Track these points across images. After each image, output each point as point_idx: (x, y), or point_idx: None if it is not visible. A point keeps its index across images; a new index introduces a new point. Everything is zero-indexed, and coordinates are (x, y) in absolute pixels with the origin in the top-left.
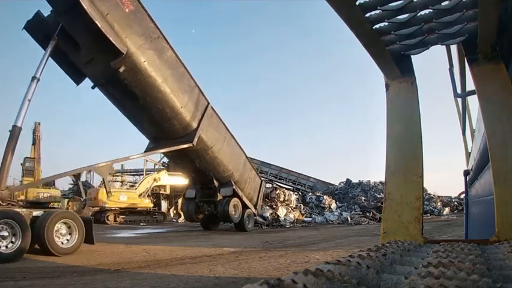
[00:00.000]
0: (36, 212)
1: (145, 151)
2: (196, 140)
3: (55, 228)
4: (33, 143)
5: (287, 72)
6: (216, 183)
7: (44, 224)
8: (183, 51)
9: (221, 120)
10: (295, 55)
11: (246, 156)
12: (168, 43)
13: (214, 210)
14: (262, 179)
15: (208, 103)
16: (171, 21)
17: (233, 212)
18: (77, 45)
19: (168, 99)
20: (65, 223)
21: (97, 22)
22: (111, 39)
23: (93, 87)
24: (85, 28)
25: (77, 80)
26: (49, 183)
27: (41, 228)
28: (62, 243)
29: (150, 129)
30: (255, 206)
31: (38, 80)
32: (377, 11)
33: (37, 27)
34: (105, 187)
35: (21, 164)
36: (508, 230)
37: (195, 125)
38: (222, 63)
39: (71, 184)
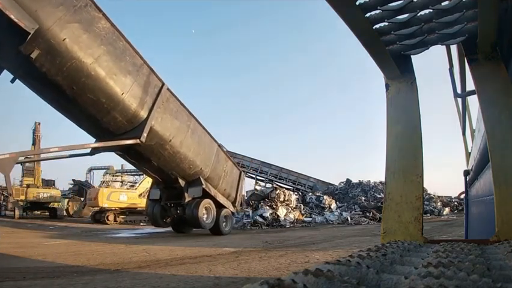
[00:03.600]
0: None
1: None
2: (145, 134)
3: None
4: (33, 143)
5: (281, 65)
6: (181, 182)
7: None
8: (183, 51)
9: (182, 104)
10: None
11: (219, 146)
12: (101, 11)
13: (183, 214)
14: (242, 169)
15: (163, 84)
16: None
17: (204, 216)
18: None
19: (102, 85)
20: None
21: None
22: (11, 16)
23: (12, 81)
24: None
25: None
26: (49, 183)
27: None
28: None
29: (88, 125)
30: (234, 203)
31: None
32: (377, 11)
33: None
34: (7, 187)
35: (21, 164)
36: (508, 230)
37: (144, 114)
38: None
39: (71, 184)
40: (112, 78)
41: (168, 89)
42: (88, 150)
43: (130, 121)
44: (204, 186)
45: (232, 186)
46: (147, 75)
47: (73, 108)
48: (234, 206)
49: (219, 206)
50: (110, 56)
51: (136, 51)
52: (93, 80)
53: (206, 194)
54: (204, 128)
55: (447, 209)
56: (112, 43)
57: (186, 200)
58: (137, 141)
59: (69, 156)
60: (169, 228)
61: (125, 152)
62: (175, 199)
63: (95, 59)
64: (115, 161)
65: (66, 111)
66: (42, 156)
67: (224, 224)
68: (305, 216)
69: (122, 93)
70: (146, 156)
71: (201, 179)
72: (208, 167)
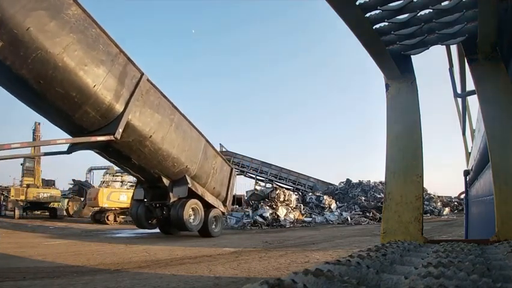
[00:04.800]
0: None
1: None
2: (120, 130)
3: None
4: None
5: (281, 65)
6: (166, 181)
7: None
8: (183, 48)
9: (164, 96)
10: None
11: (207, 141)
12: None
13: (169, 215)
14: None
15: (142, 74)
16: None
17: (191, 218)
18: None
19: (72, 77)
20: None
21: None
22: None
23: None
24: None
25: None
26: (49, 183)
27: None
28: None
29: (60, 122)
30: (225, 202)
31: None
32: (377, 11)
33: None
34: None
35: (21, 164)
36: (508, 230)
37: (120, 108)
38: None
39: (71, 184)
40: (83, 69)
41: (148, 79)
42: (66, 148)
43: (104, 116)
44: (189, 186)
45: (222, 184)
46: (123, 66)
47: (42, 104)
48: (224, 205)
49: (208, 206)
50: (81, 44)
51: (111, 39)
52: (61, 72)
53: (193, 194)
54: (190, 122)
55: (447, 209)
56: (83, 31)
57: (171, 201)
58: (111, 137)
59: (44, 154)
60: (156, 230)
61: (102, 150)
62: (160, 199)
63: (64, 49)
64: None
65: (36, 106)
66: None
67: (213, 225)
68: (305, 216)
69: (94, 86)
70: (124, 154)
71: (187, 177)
72: (195, 164)
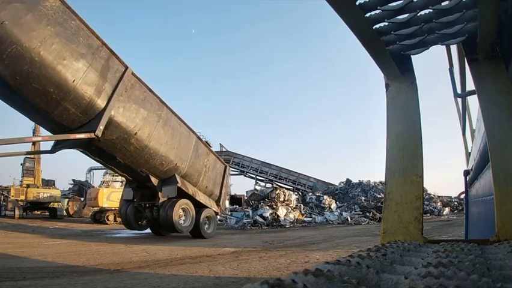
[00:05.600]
0: None
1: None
2: (101, 127)
3: None
4: (33, 143)
5: (281, 66)
6: (154, 181)
7: None
8: (182, 47)
9: (151, 91)
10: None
11: (198, 138)
12: None
13: (158, 216)
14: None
15: (126, 68)
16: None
17: (181, 219)
18: None
19: (49, 72)
20: None
21: None
22: None
23: None
24: None
25: None
26: (49, 183)
27: None
28: None
29: (41, 120)
30: (218, 202)
31: None
32: (377, 11)
33: None
34: None
35: (21, 164)
36: (508, 230)
37: (102, 104)
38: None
39: (71, 184)
40: (61, 64)
41: (133, 73)
42: (50, 148)
43: (85, 112)
44: (179, 185)
45: (215, 183)
46: (106, 59)
47: (19, 101)
48: (217, 205)
49: (200, 206)
50: (59, 37)
51: (92, 31)
52: (37, 67)
53: (183, 193)
54: (179, 118)
55: (447, 209)
56: (61, 23)
57: (160, 201)
58: (92, 135)
59: (26, 153)
60: (148, 230)
61: (85, 149)
62: (149, 199)
63: (40, 43)
64: None
65: (14, 104)
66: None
67: (206, 226)
68: (305, 216)
69: (74, 81)
70: (109, 153)
71: (176, 176)
72: (185, 163)
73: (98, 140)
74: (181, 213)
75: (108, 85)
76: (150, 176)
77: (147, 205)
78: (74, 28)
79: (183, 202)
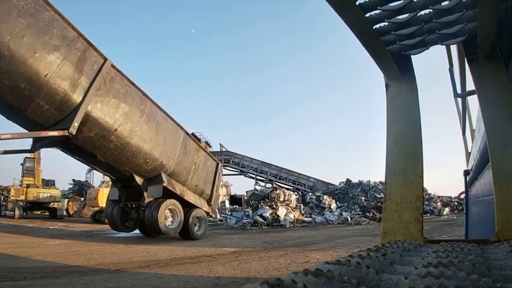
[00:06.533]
0: None
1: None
2: (75, 124)
3: None
4: None
5: (280, 66)
6: (139, 180)
7: None
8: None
9: (133, 84)
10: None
11: (187, 133)
12: None
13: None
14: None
15: (105, 60)
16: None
17: (168, 220)
18: None
19: (19, 66)
20: None
21: None
22: None
23: None
24: None
25: None
26: (49, 183)
27: None
28: None
29: (15, 118)
30: (209, 201)
31: None
32: (377, 11)
33: None
34: None
35: (21, 164)
36: (508, 230)
37: (78, 99)
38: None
39: (71, 184)
40: (32, 57)
41: (113, 65)
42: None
43: (60, 109)
44: (165, 184)
45: (206, 182)
46: (82, 51)
47: None
48: (209, 204)
49: (190, 206)
50: (31, 29)
51: (68, 21)
52: (7, 61)
53: (171, 193)
54: (165, 112)
55: (447, 209)
56: (33, 14)
57: (146, 201)
58: (65, 133)
59: (4, 152)
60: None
61: (64, 147)
62: (135, 200)
63: (11, 36)
64: None
65: None
66: None
67: (196, 226)
68: (305, 216)
69: (46, 75)
70: (88, 151)
71: (162, 175)
72: (172, 160)
73: (76, 137)
74: (168, 214)
75: (84, 78)
76: (134, 175)
77: (133, 205)
78: (47, 19)
79: (170, 203)
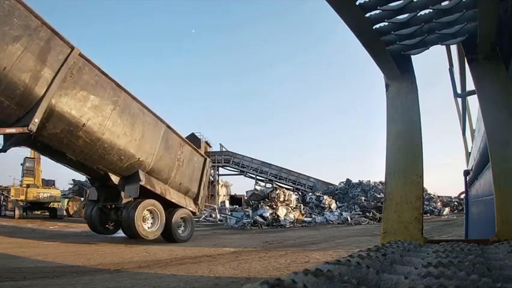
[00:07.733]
0: None
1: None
2: (36, 120)
3: None
4: None
5: (280, 66)
6: (115, 179)
7: None
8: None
9: (105, 74)
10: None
11: (169, 127)
12: None
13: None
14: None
15: (72, 48)
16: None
17: (147, 222)
18: None
19: None
20: None
21: None
22: None
23: None
24: None
25: None
26: (49, 183)
27: None
28: None
29: None
30: (196, 200)
31: None
32: (377, 11)
33: None
34: None
35: (21, 164)
36: (508, 230)
37: (40, 93)
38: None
39: (71, 184)
40: None
41: (81, 54)
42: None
43: (21, 104)
44: (142, 183)
45: (192, 179)
46: (46, 40)
47: None
48: (195, 203)
49: (174, 206)
50: None
51: (30, 10)
52: None
53: (150, 192)
54: (142, 104)
55: (447, 209)
56: None
57: (123, 201)
58: (25, 130)
59: None
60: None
61: (30, 146)
62: (114, 200)
63: None
64: None
65: None
66: None
67: (181, 228)
68: (305, 216)
69: (5, 68)
70: (55, 149)
71: (140, 173)
72: (152, 156)
73: (42, 134)
74: (147, 216)
75: (48, 70)
76: (109, 173)
77: (112, 206)
78: (7, 9)
79: (149, 203)
